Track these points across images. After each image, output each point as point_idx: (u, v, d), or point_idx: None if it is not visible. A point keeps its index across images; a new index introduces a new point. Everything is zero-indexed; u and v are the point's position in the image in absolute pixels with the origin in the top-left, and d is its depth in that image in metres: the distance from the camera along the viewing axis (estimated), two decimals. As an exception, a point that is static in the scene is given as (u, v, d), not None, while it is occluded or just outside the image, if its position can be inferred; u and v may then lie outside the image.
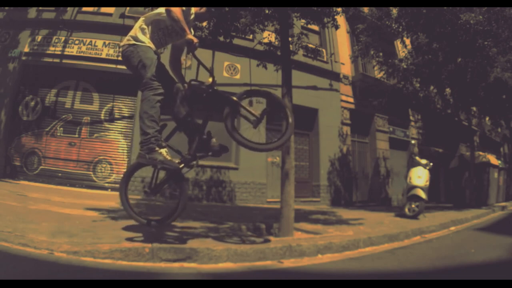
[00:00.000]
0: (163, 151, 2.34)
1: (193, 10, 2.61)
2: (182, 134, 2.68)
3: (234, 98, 2.51)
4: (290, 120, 2.49)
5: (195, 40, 2.32)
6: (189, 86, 2.61)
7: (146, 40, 2.46)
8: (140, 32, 2.46)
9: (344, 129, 11.24)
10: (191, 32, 2.44)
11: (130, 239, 2.73)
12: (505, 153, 18.22)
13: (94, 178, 8.25)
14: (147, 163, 2.36)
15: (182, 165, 2.52)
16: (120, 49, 2.47)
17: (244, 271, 2.48)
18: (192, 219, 4.41)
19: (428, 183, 6.30)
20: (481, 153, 11.68)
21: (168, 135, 2.62)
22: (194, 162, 2.58)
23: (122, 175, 2.83)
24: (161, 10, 2.45)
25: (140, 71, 2.39)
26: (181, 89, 2.62)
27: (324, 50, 11.19)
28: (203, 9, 2.67)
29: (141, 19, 2.53)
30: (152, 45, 2.48)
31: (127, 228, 3.18)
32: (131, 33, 2.49)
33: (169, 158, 2.35)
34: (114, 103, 8.71)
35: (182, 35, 2.39)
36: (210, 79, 2.53)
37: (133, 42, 2.44)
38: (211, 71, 2.55)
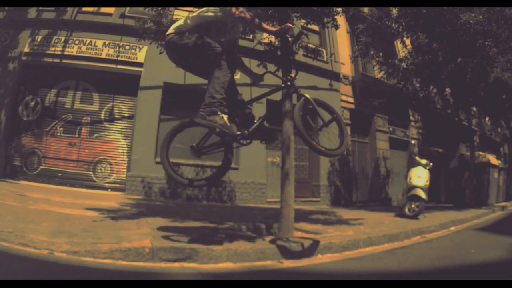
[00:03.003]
0: (225, 116, 2.36)
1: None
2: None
3: (308, 96, 2.60)
4: (345, 133, 2.69)
5: (291, 25, 2.50)
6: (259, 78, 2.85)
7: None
8: (188, 22, 2.51)
9: (344, 129, 11.22)
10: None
11: (166, 237, 2.76)
12: (505, 153, 18.22)
13: (94, 178, 8.25)
14: (206, 124, 2.36)
15: (239, 137, 2.55)
16: (167, 37, 2.50)
17: (244, 271, 2.48)
18: (192, 219, 4.41)
19: (428, 183, 6.30)
20: (481, 153, 11.67)
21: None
22: (248, 141, 2.63)
23: (166, 133, 2.77)
24: (206, 9, 2.52)
25: (203, 53, 2.44)
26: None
27: (324, 50, 11.19)
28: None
29: (187, 15, 2.60)
30: None
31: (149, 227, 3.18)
32: (178, 24, 2.53)
33: (229, 124, 2.38)
34: (114, 103, 8.71)
35: (231, 33, 2.56)
36: (293, 74, 2.72)
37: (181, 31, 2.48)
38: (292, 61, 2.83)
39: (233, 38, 2.74)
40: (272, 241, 3.07)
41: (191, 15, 2.56)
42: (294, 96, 2.80)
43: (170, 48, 2.53)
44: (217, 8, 2.48)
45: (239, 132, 2.56)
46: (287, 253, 2.90)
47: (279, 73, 3.88)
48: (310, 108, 2.62)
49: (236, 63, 2.61)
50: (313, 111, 2.63)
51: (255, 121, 2.67)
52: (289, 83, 2.72)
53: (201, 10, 2.57)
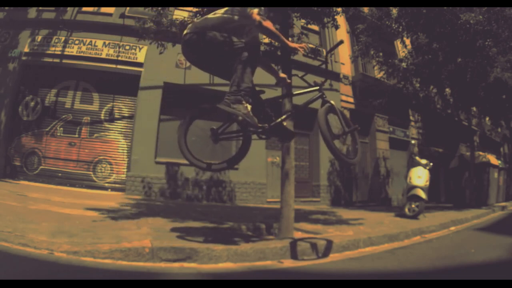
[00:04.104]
0: (249, 106, 2.37)
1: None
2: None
3: (333, 103, 2.66)
4: (359, 143, 2.82)
5: (302, 45, 2.48)
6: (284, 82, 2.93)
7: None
8: (205, 22, 2.51)
9: (344, 129, 11.21)
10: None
11: (181, 237, 2.77)
12: (505, 153, 18.20)
13: (94, 178, 8.25)
14: (229, 111, 2.34)
15: (260, 130, 2.56)
16: (185, 37, 2.50)
17: (244, 271, 2.48)
18: (192, 219, 4.41)
19: (428, 183, 6.30)
20: (481, 153, 11.67)
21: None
22: (266, 136, 2.66)
23: (184, 117, 2.73)
24: (229, 10, 2.50)
25: (223, 50, 2.44)
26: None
27: (324, 50, 11.17)
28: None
29: (205, 16, 2.60)
30: None
31: (174, 229, 3.17)
32: (195, 23, 2.55)
33: (252, 114, 2.38)
34: (114, 103, 8.70)
35: (248, 34, 2.52)
36: (323, 79, 2.79)
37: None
38: (326, 68, 2.81)
39: (253, 37, 2.70)
40: (293, 242, 3.08)
41: (210, 16, 2.55)
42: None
43: (189, 47, 2.51)
44: (236, 10, 2.45)
45: (260, 125, 2.55)
46: (304, 253, 2.94)
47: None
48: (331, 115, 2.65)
49: (258, 60, 2.59)
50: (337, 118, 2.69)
51: (273, 118, 2.68)
52: (317, 87, 2.76)
53: (218, 11, 2.55)
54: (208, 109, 2.70)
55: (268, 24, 2.37)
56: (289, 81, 3.00)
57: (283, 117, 2.71)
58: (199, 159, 2.65)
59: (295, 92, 2.95)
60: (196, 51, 2.49)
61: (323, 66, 2.94)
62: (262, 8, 2.41)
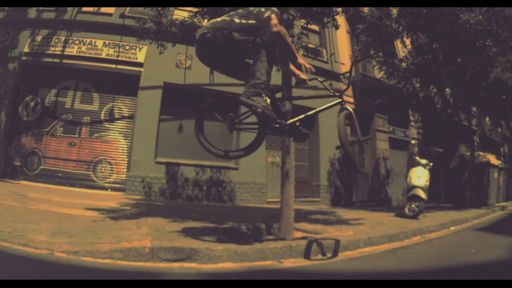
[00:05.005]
0: (268, 100, 2.39)
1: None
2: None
3: (351, 110, 2.70)
4: (365, 151, 2.89)
5: (308, 66, 2.61)
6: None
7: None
8: (222, 23, 2.50)
9: (344, 129, 11.21)
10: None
11: (181, 237, 2.78)
12: (505, 153, 18.20)
13: (94, 178, 8.25)
14: (248, 103, 2.35)
15: (278, 125, 2.55)
16: (201, 37, 2.49)
17: (244, 271, 2.48)
18: (192, 219, 4.41)
19: (428, 183, 6.29)
20: (481, 153, 11.66)
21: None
22: (280, 133, 2.67)
23: (199, 108, 2.72)
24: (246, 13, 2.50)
25: (241, 48, 2.44)
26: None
27: (324, 50, 11.18)
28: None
29: (222, 18, 2.59)
30: None
31: (185, 231, 3.19)
32: (210, 23, 2.55)
33: (270, 108, 2.40)
34: (114, 103, 8.71)
35: (262, 36, 2.50)
36: (345, 86, 2.87)
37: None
38: (349, 79, 2.96)
39: (269, 38, 2.66)
40: (294, 242, 3.11)
41: (224, 17, 2.54)
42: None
43: (204, 47, 2.49)
44: (252, 14, 2.44)
45: (278, 120, 2.56)
46: (315, 252, 2.98)
47: (279, 73, 3.90)
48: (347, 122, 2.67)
49: (275, 57, 2.57)
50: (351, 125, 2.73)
51: (288, 117, 2.69)
52: (337, 94, 2.81)
53: (234, 12, 2.55)
54: (226, 100, 2.70)
55: (285, 33, 2.39)
56: (309, 83, 2.97)
57: (302, 116, 2.71)
58: (216, 147, 2.65)
59: (314, 95, 2.97)
60: (209, 50, 2.48)
61: (347, 74, 2.93)
62: (277, 11, 2.41)
